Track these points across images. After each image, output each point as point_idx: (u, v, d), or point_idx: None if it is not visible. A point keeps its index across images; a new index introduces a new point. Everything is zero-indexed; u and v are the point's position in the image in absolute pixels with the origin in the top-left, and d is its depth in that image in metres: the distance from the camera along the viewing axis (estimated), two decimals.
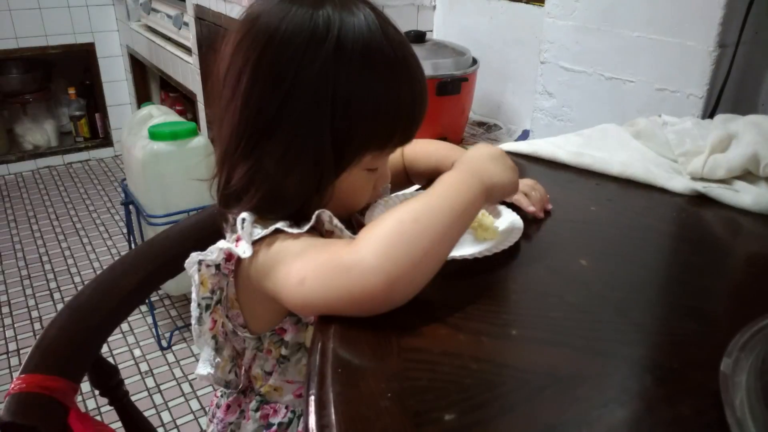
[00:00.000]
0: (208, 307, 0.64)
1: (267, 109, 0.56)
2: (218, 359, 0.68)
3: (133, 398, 1.69)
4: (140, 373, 1.82)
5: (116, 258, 2.38)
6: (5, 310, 2.10)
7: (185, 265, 0.62)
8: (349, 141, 0.58)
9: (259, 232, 0.57)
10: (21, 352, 1.90)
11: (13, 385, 0.61)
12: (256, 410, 0.71)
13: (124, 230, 2.10)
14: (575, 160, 0.90)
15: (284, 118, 0.56)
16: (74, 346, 0.69)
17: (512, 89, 1.78)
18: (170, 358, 1.89)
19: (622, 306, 0.57)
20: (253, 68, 0.56)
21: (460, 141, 1.69)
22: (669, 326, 0.55)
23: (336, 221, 0.59)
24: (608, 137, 0.98)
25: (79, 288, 2.17)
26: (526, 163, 0.92)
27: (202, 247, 0.64)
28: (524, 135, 1.68)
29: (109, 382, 0.76)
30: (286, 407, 0.71)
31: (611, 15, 1.28)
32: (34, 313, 2.08)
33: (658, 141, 0.95)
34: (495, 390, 0.46)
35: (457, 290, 0.59)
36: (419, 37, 1.60)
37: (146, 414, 1.66)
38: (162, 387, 1.77)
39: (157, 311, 2.03)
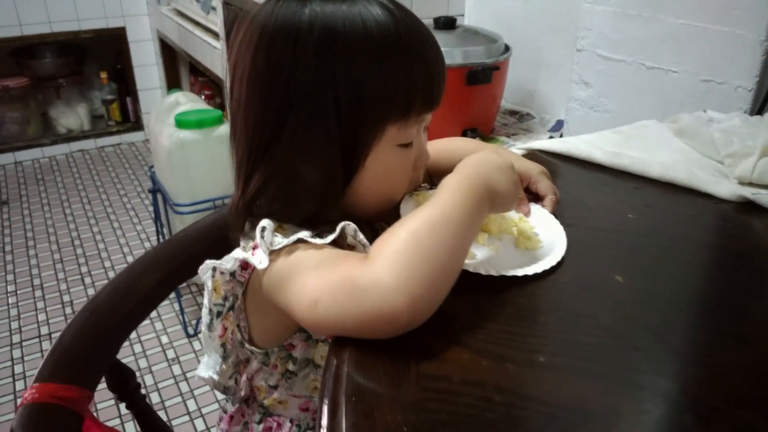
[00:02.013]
0: (219, 313, 0.62)
1: (270, 106, 0.56)
2: (223, 366, 0.66)
3: (159, 385, 1.72)
4: (167, 360, 1.83)
5: (145, 243, 2.40)
6: (38, 293, 2.13)
7: (199, 271, 0.61)
8: (362, 120, 0.56)
9: (280, 241, 0.54)
10: (52, 336, 1.93)
11: (26, 395, 0.60)
12: (259, 422, 0.69)
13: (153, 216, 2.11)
14: (612, 161, 0.84)
15: (288, 112, 0.55)
16: (90, 351, 0.68)
17: (546, 77, 1.72)
18: (197, 345, 1.89)
19: (660, 330, 0.53)
20: (251, 68, 0.56)
21: (490, 131, 1.63)
22: (712, 355, 0.51)
23: (361, 236, 0.56)
24: (648, 135, 0.93)
25: (110, 274, 2.21)
26: (558, 162, 0.87)
27: (222, 246, 0.63)
28: (558, 125, 1.62)
29: (126, 387, 0.75)
30: (291, 421, 0.69)
31: (654, 1, 1.21)
32: (66, 297, 2.11)
33: (702, 140, 0.90)
34: (520, 427, 0.43)
35: (481, 308, 0.55)
36: (449, 23, 1.54)
37: (171, 402, 1.68)
38: (188, 375, 1.78)
39: (184, 298, 2.04)
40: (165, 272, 0.78)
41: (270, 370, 0.66)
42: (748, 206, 0.75)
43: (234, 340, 0.64)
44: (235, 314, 0.63)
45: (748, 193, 0.75)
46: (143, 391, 1.66)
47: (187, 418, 1.64)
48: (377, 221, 0.68)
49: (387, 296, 0.46)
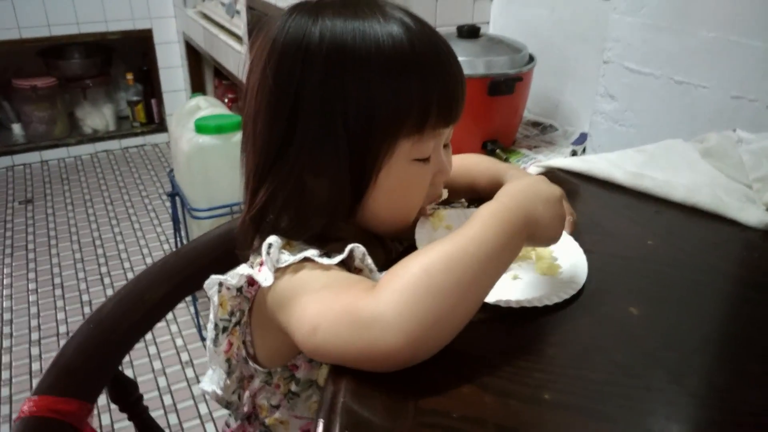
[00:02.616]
0: (225, 329, 0.61)
1: (279, 119, 0.55)
2: (227, 381, 0.65)
3: (172, 388, 1.72)
4: (181, 362, 1.84)
5: (164, 245, 2.42)
6: (58, 292, 2.16)
7: (204, 286, 0.60)
8: (371, 133, 0.54)
9: (287, 258, 0.53)
10: (70, 335, 1.94)
11: (23, 407, 0.59)
12: None
13: None
14: (634, 182, 0.81)
15: (297, 124, 0.54)
16: (91, 364, 0.68)
17: (571, 89, 1.68)
18: (207, 337, 1.89)
19: (676, 370, 0.50)
20: (261, 81, 0.56)
21: (512, 143, 1.60)
22: (732, 400, 0.48)
23: (368, 261, 0.54)
24: (673, 155, 0.89)
25: (128, 275, 2.23)
26: (578, 182, 0.84)
27: (231, 259, 0.62)
28: (582, 138, 1.58)
29: (128, 398, 0.74)
30: None
31: (686, 12, 1.17)
32: (85, 297, 2.13)
33: (730, 162, 0.86)
34: None
35: (486, 338, 0.53)
36: (473, 32, 1.52)
37: (184, 405, 1.68)
38: (201, 378, 1.77)
39: (200, 302, 2.04)
40: (172, 285, 0.77)
41: (272, 390, 0.64)
42: None
43: (239, 355, 0.63)
44: (241, 330, 0.62)
45: None
46: (156, 393, 1.68)
47: (198, 421, 1.64)
48: (392, 238, 0.67)
49: (387, 335, 0.44)
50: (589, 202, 0.79)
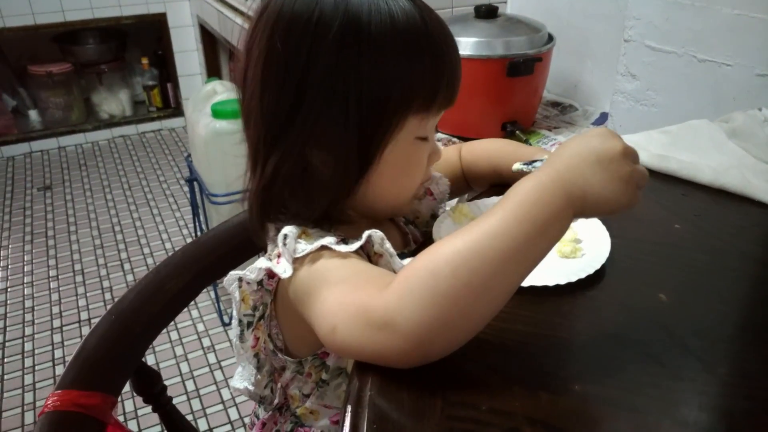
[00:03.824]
0: (250, 324, 0.61)
1: (286, 91, 0.53)
2: (258, 376, 0.65)
3: (194, 373, 1.73)
4: (203, 348, 1.85)
5: (183, 231, 2.43)
6: (78, 279, 2.18)
7: (224, 284, 0.59)
8: (382, 108, 0.54)
9: (304, 248, 0.52)
10: (92, 321, 1.97)
11: (47, 402, 0.59)
12: None
13: None
14: (659, 164, 0.80)
15: (305, 97, 0.53)
16: (114, 356, 0.68)
17: (591, 68, 1.65)
18: (232, 334, 1.91)
19: (707, 358, 0.49)
20: (267, 52, 0.54)
21: (531, 124, 1.58)
22: (765, 389, 0.47)
23: (388, 245, 0.53)
24: (698, 136, 0.87)
25: (148, 260, 2.25)
26: None
27: (251, 246, 0.61)
28: (602, 118, 1.56)
29: (152, 389, 0.75)
30: None
31: None
32: (105, 283, 2.15)
33: (757, 142, 0.84)
34: None
35: (513, 327, 0.52)
36: (491, 12, 1.49)
37: (206, 391, 1.70)
38: (223, 364, 1.79)
39: (220, 286, 2.05)
40: (192, 274, 0.77)
41: (304, 379, 0.64)
42: None
43: (267, 349, 0.63)
44: (266, 323, 0.61)
45: None
46: (178, 379, 1.70)
47: (221, 407, 1.66)
48: (390, 217, 0.66)
49: (396, 338, 0.44)
50: None
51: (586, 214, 0.47)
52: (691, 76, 1.21)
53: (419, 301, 0.43)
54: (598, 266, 0.58)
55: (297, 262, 0.53)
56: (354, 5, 0.52)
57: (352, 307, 0.47)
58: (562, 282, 0.56)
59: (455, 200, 0.82)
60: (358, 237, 0.53)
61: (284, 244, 0.53)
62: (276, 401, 0.68)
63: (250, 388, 0.65)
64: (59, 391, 0.60)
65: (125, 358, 0.69)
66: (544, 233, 0.44)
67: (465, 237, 0.44)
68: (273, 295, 0.59)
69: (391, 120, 0.54)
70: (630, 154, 0.47)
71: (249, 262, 0.61)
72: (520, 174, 0.56)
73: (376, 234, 0.53)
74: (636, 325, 0.53)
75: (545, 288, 0.56)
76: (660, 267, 0.61)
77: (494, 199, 0.70)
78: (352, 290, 0.49)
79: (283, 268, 0.52)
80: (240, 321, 0.60)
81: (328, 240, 0.52)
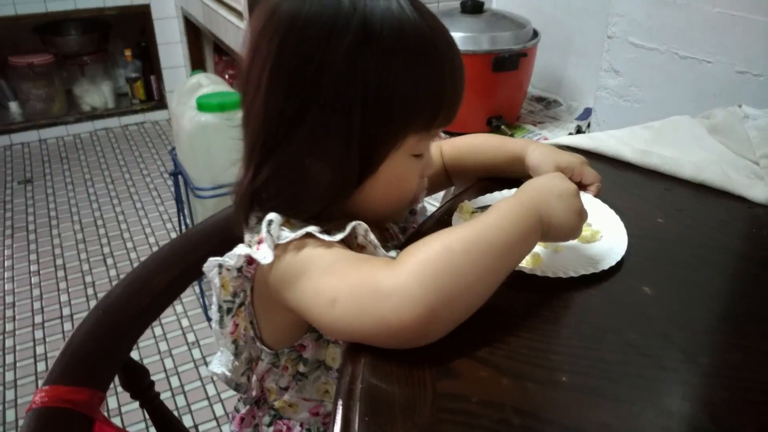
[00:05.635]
0: (229, 310, 0.61)
1: (293, 98, 0.53)
2: (236, 363, 0.65)
3: (179, 369, 1.73)
4: (187, 343, 1.84)
5: (167, 225, 2.41)
6: (60, 273, 2.15)
7: (204, 269, 0.59)
8: (386, 125, 0.54)
9: (287, 235, 0.53)
10: (74, 317, 1.95)
11: (35, 398, 0.59)
12: (269, 425, 0.68)
13: None
14: (642, 160, 0.81)
15: (311, 106, 0.53)
16: (102, 351, 0.67)
17: (575, 63, 1.67)
18: (212, 318, 1.90)
19: (689, 349, 0.51)
20: (276, 56, 0.53)
21: (516, 119, 1.60)
22: (745, 380, 0.48)
23: (371, 236, 0.54)
24: (680, 132, 0.89)
25: (131, 255, 2.23)
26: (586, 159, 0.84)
27: (239, 241, 0.61)
28: (586, 113, 1.58)
29: (140, 385, 0.74)
30: (301, 425, 0.68)
31: None
32: (88, 278, 2.13)
33: (737, 138, 0.86)
34: None
35: (501, 320, 0.53)
36: (476, 7, 1.50)
37: (191, 387, 1.69)
38: (208, 359, 1.79)
39: (205, 280, 2.03)
40: (179, 269, 0.76)
41: (280, 372, 0.65)
42: None
43: (246, 336, 0.63)
44: (246, 310, 0.62)
45: None
46: (162, 375, 1.69)
47: (206, 402, 1.65)
48: (383, 224, 0.67)
49: (409, 304, 0.45)
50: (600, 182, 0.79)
51: (549, 236, 0.55)
52: (673, 73, 1.23)
53: (434, 271, 0.46)
54: (618, 258, 0.60)
55: (279, 248, 0.53)
56: (368, 15, 0.52)
57: (355, 278, 0.48)
58: (586, 272, 0.58)
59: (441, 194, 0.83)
60: (341, 229, 0.54)
61: (269, 231, 0.53)
62: (254, 393, 0.68)
63: (228, 373, 0.65)
64: (47, 387, 0.60)
65: (113, 353, 0.69)
66: (525, 240, 0.52)
67: (472, 227, 0.50)
68: (252, 282, 0.60)
69: (391, 136, 0.55)
70: (579, 194, 0.58)
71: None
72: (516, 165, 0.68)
73: (360, 226, 0.54)
74: (620, 317, 0.54)
75: (533, 280, 0.57)
76: (644, 260, 0.62)
77: (497, 194, 0.72)
78: (349, 268, 0.50)
79: (263, 255, 0.52)
80: (220, 307, 0.61)
81: (313, 228, 0.53)
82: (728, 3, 1.10)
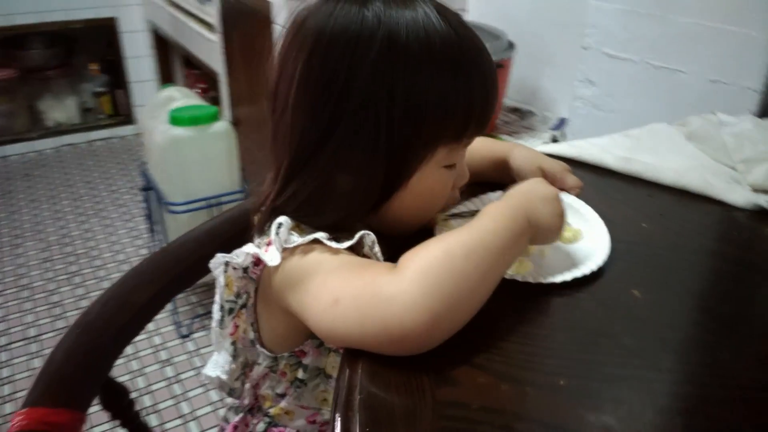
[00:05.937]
0: (231, 310, 0.60)
1: (321, 114, 0.53)
2: (232, 365, 0.64)
3: (151, 388, 1.68)
4: (159, 362, 1.80)
5: (136, 241, 2.36)
6: (25, 293, 2.08)
7: (210, 265, 0.58)
8: (416, 137, 0.54)
9: (296, 239, 0.52)
10: (40, 338, 1.89)
11: (14, 421, 0.57)
12: None
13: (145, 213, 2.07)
14: (624, 167, 0.82)
15: (339, 121, 0.53)
16: (82, 371, 0.65)
17: (550, 74, 1.69)
18: (190, 346, 1.86)
19: (682, 350, 0.51)
20: (304, 73, 0.53)
21: (492, 129, 1.61)
22: (736, 378, 0.49)
23: (377, 249, 0.54)
24: (660, 139, 0.90)
25: (99, 273, 2.17)
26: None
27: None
28: (560, 123, 1.60)
29: (120, 404, 0.72)
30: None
31: None
32: (54, 298, 2.06)
33: (713, 144, 0.87)
34: None
35: (496, 326, 0.52)
36: None
37: (164, 405, 1.65)
38: (181, 377, 1.74)
39: (178, 297, 2.00)
40: (160, 284, 0.74)
41: (278, 377, 0.64)
42: (761, 214, 0.73)
43: (245, 339, 0.63)
44: (247, 312, 0.61)
45: (763, 200, 0.73)
46: (135, 394, 1.64)
47: (180, 421, 1.61)
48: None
49: (410, 309, 0.45)
50: (581, 187, 0.79)
51: (536, 238, 0.56)
52: (647, 82, 1.25)
53: (436, 277, 0.46)
54: (600, 262, 0.60)
55: (287, 252, 0.52)
56: (393, 27, 0.52)
57: (359, 281, 0.48)
58: (568, 278, 0.58)
59: None
60: (349, 237, 0.53)
61: (277, 233, 0.52)
62: (246, 401, 0.67)
63: (223, 377, 0.64)
64: (25, 409, 0.58)
65: (93, 373, 0.66)
66: (517, 243, 0.53)
67: (469, 232, 0.50)
68: (257, 284, 0.59)
69: (421, 149, 0.55)
70: (560, 198, 0.58)
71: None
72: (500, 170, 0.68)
73: (369, 236, 0.53)
74: (613, 320, 0.54)
75: (523, 285, 0.57)
76: (631, 264, 0.63)
77: (492, 194, 0.71)
78: (353, 272, 0.50)
79: (271, 257, 0.52)
80: (222, 307, 0.60)
81: (321, 234, 0.53)
82: (701, 14, 1.12)
